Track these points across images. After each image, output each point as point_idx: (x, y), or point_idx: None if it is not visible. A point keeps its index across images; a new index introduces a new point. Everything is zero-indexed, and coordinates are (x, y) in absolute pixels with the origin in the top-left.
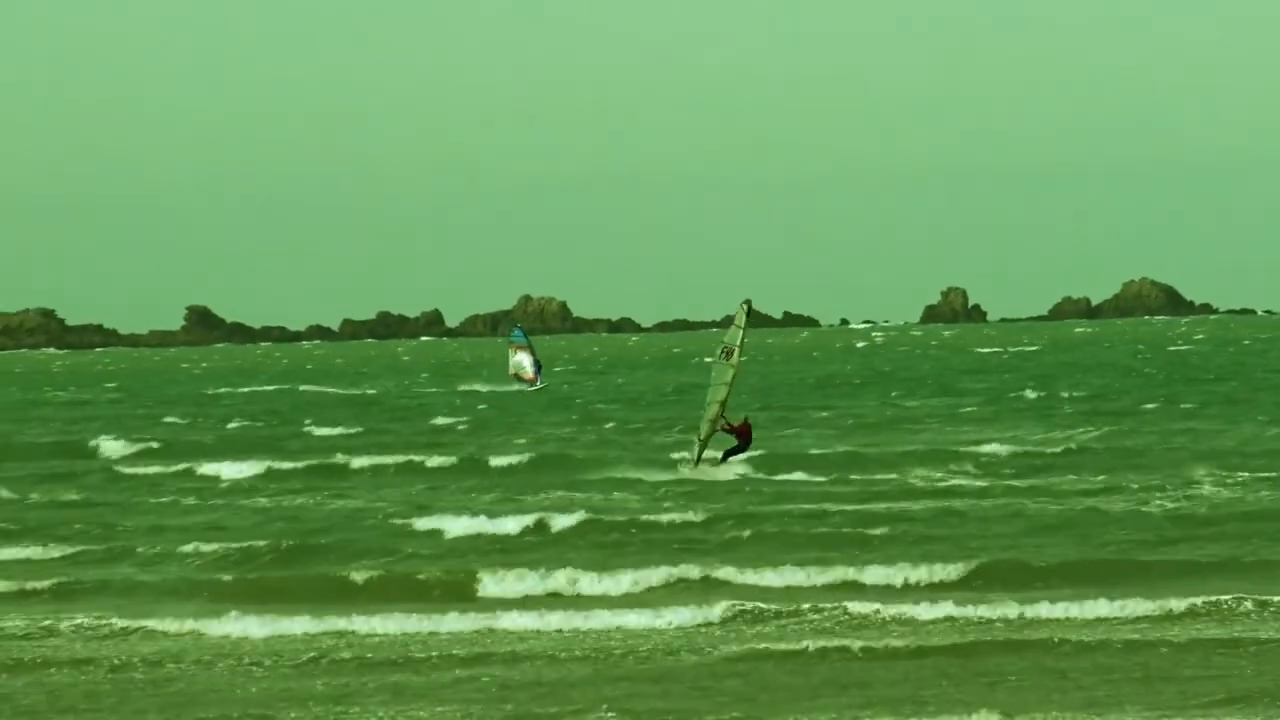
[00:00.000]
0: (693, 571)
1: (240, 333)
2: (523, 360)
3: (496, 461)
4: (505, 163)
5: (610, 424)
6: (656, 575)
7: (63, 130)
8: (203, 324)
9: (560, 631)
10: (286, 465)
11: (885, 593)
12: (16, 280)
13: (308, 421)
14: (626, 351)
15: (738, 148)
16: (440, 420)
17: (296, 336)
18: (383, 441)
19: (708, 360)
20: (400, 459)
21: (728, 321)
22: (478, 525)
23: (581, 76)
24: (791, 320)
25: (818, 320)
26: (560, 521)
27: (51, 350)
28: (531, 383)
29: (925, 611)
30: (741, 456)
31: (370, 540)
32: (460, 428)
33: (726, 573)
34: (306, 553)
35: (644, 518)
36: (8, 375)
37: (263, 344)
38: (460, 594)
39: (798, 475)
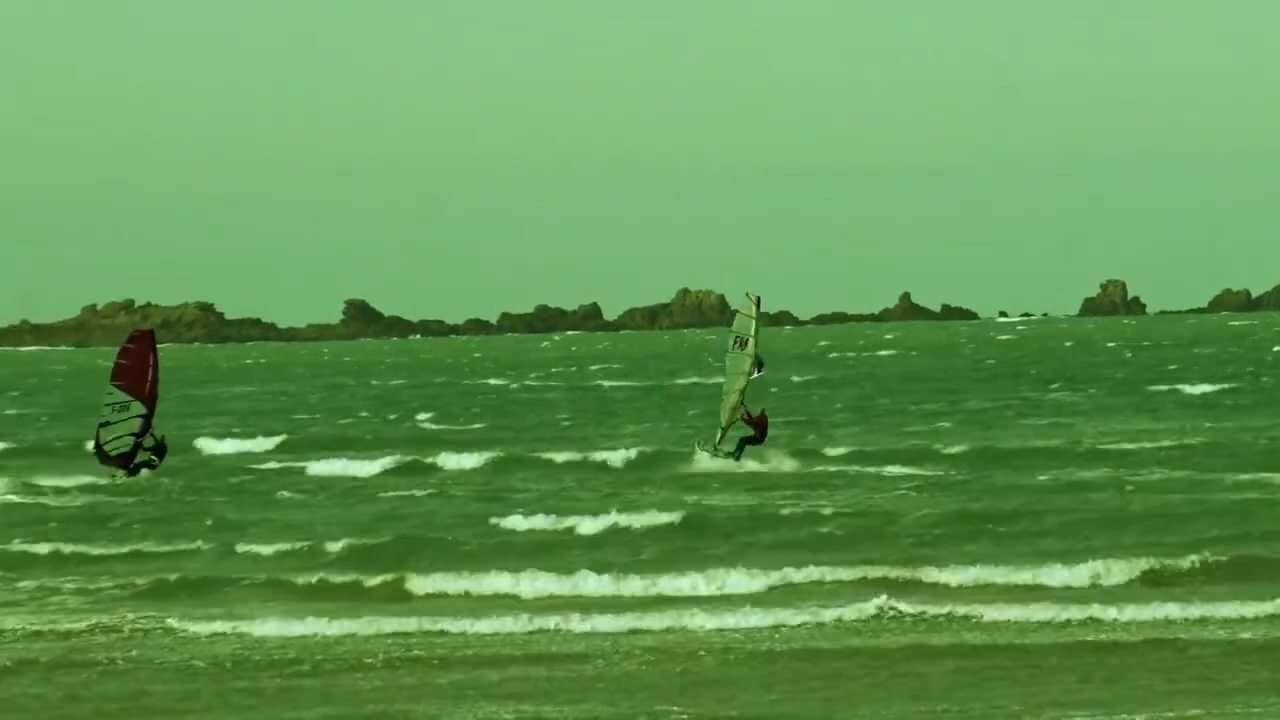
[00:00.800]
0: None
1: (398, 326)
2: None
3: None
4: (663, 156)
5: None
6: (813, 573)
7: (223, 124)
8: (360, 317)
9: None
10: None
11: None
12: (175, 274)
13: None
14: (781, 345)
15: (898, 138)
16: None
17: (454, 330)
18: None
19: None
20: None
21: (887, 314)
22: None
23: (744, 75)
24: (950, 313)
25: (976, 313)
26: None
27: (204, 345)
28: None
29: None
30: (759, 445)
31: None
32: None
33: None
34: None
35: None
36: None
37: (415, 337)
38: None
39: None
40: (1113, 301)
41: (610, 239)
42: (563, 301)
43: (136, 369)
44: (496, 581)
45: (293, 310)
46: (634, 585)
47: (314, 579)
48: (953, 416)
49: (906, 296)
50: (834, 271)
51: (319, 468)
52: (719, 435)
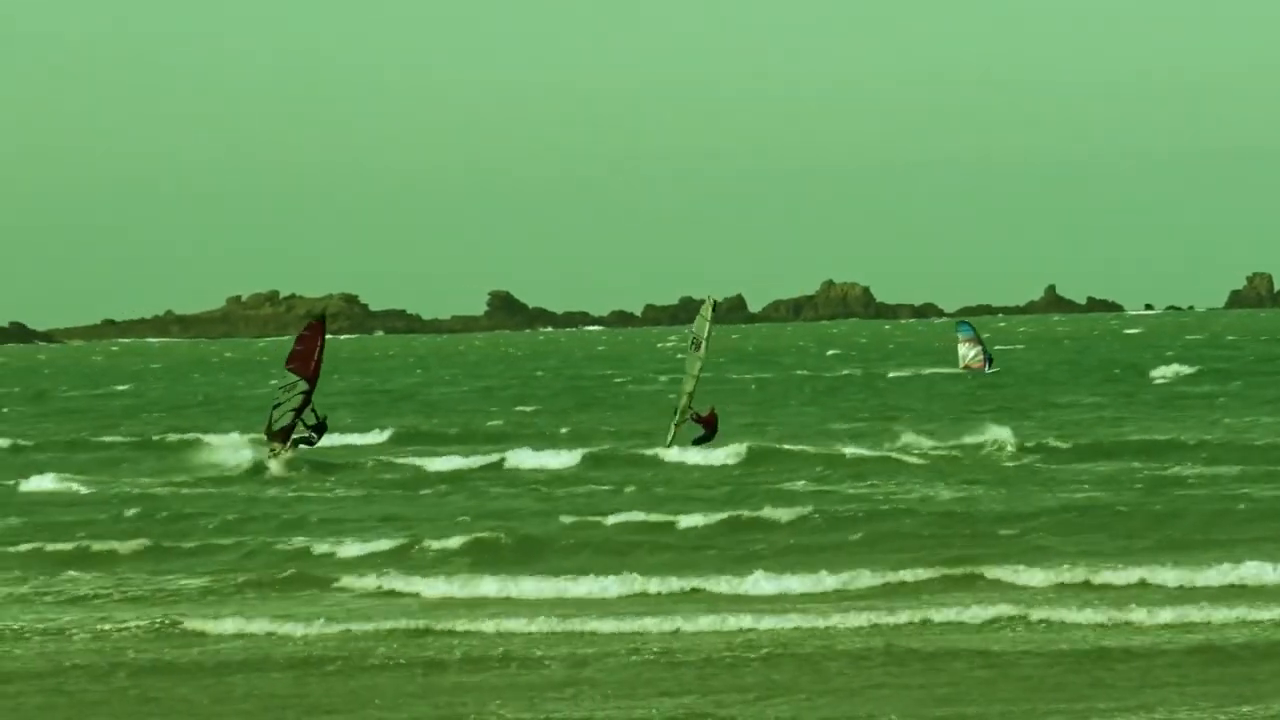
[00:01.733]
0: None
1: (542, 318)
2: (970, 352)
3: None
4: (811, 146)
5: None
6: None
7: (366, 116)
8: (505, 309)
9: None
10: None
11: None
12: (320, 265)
13: None
14: (919, 338)
15: (1043, 132)
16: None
17: (598, 321)
18: None
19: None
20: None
21: (1031, 306)
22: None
23: (885, 66)
24: (1095, 305)
25: (1122, 305)
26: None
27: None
28: (980, 370)
29: None
30: (710, 442)
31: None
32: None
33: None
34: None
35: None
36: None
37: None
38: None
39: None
40: (1258, 294)
41: (755, 230)
42: (707, 293)
43: (307, 353)
44: (627, 582)
45: (437, 302)
46: (763, 585)
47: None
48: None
49: (1051, 289)
50: (979, 264)
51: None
52: (670, 434)
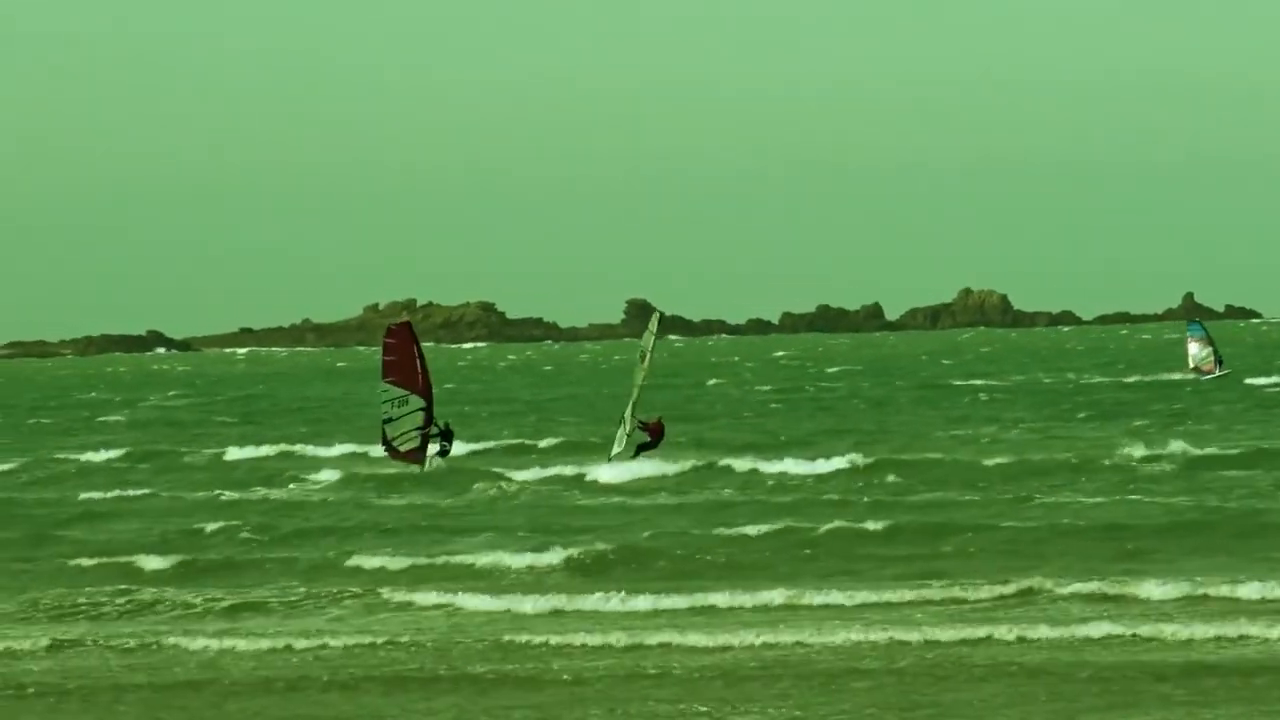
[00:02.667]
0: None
1: (679, 326)
2: (1201, 352)
3: None
4: (946, 150)
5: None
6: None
7: (507, 124)
8: (642, 317)
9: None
10: None
11: None
12: (457, 273)
13: None
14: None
15: (1180, 134)
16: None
17: (735, 330)
18: None
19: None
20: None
21: (1169, 314)
22: None
23: (1041, 65)
24: (1233, 312)
25: (1259, 312)
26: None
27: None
28: (1210, 373)
29: None
30: (655, 449)
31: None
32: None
33: None
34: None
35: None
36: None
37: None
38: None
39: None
40: None
41: (892, 237)
42: (845, 301)
43: (403, 362)
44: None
45: (574, 309)
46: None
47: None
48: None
49: (1189, 296)
50: (1117, 271)
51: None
52: (618, 445)
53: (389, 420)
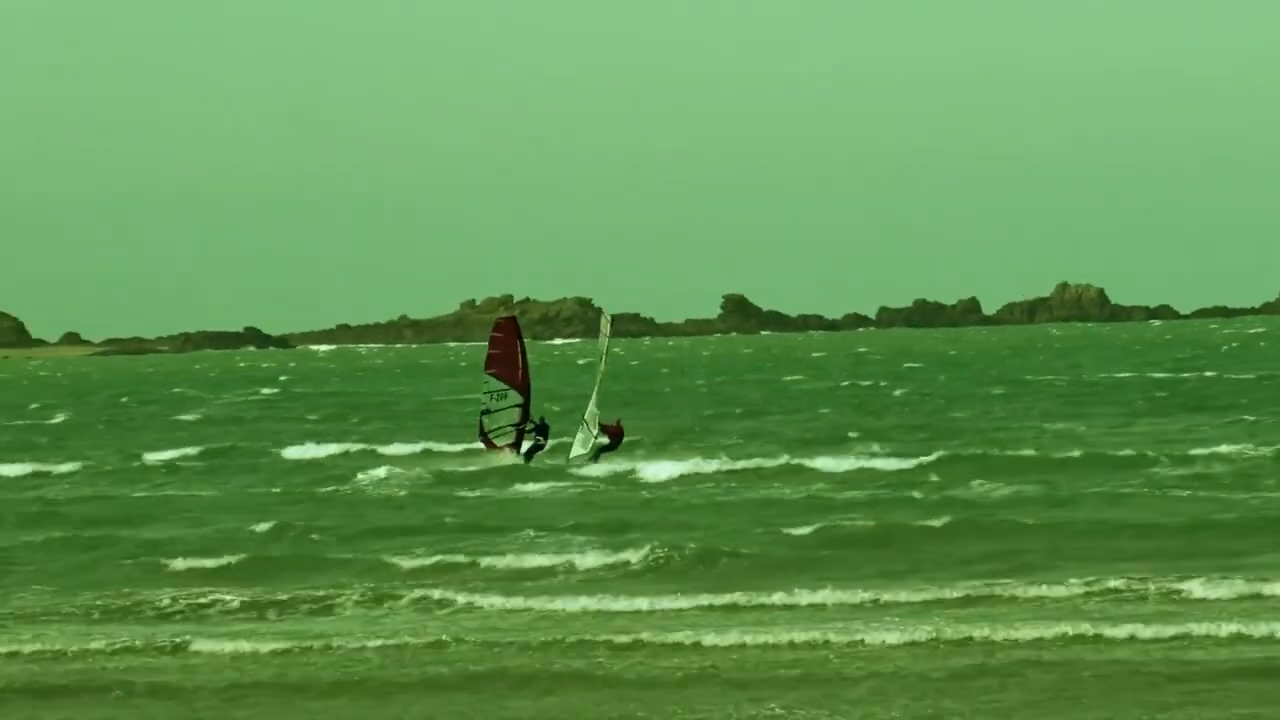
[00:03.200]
0: None
1: (775, 321)
2: None
3: None
4: (1047, 147)
5: None
6: None
7: (601, 122)
8: (739, 312)
9: None
10: None
11: None
12: (554, 269)
13: None
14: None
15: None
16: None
17: (831, 325)
18: None
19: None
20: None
21: (1268, 308)
22: None
23: (1143, 67)
24: None
25: None
26: None
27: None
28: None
29: None
30: (613, 450)
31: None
32: None
33: None
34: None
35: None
36: None
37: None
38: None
39: None
40: None
41: (992, 232)
42: (942, 295)
43: (507, 356)
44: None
45: (671, 305)
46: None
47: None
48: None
49: None
50: (1215, 265)
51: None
52: (580, 447)
53: (487, 412)
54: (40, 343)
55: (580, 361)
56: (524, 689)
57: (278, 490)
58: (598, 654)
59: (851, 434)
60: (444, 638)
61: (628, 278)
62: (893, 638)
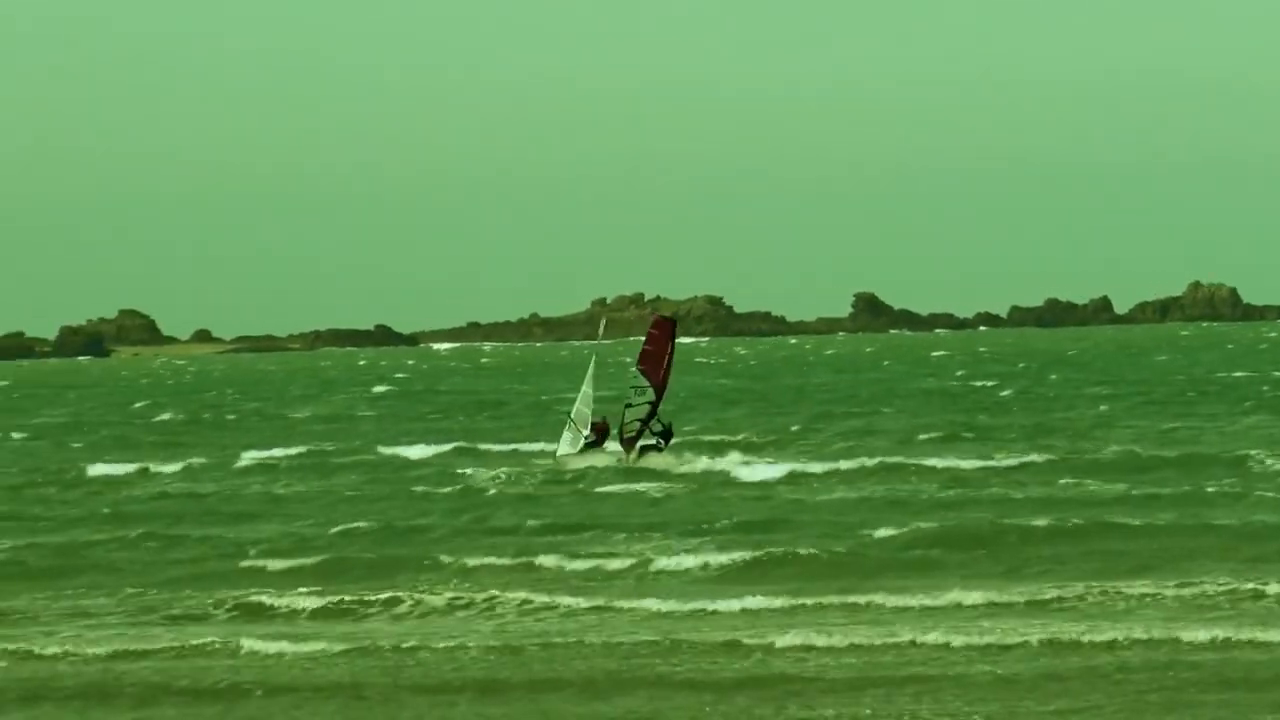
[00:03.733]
0: None
1: (906, 320)
2: None
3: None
4: (1180, 144)
5: None
6: None
7: (733, 119)
8: (869, 311)
9: None
10: None
11: None
12: (685, 267)
13: None
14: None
15: None
16: None
17: (963, 324)
18: None
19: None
20: None
21: None
22: None
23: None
24: None
25: None
26: None
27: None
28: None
29: None
30: (599, 448)
31: None
32: None
33: None
34: None
35: None
36: None
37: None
38: None
39: None
40: None
41: (1124, 230)
42: (1074, 295)
43: (657, 354)
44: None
45: (801, 303)
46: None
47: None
48: None
49: None
50: None
51: None
52: (566, 446)
53: (628, 405)
54: (171, 340)
55: (698, 359)
56: (618, 693)
57: (374, 489)
58: (696, 655)
59: (964, 434)
60: (553, 638)
61: (759, 276)
62: (984, 639)
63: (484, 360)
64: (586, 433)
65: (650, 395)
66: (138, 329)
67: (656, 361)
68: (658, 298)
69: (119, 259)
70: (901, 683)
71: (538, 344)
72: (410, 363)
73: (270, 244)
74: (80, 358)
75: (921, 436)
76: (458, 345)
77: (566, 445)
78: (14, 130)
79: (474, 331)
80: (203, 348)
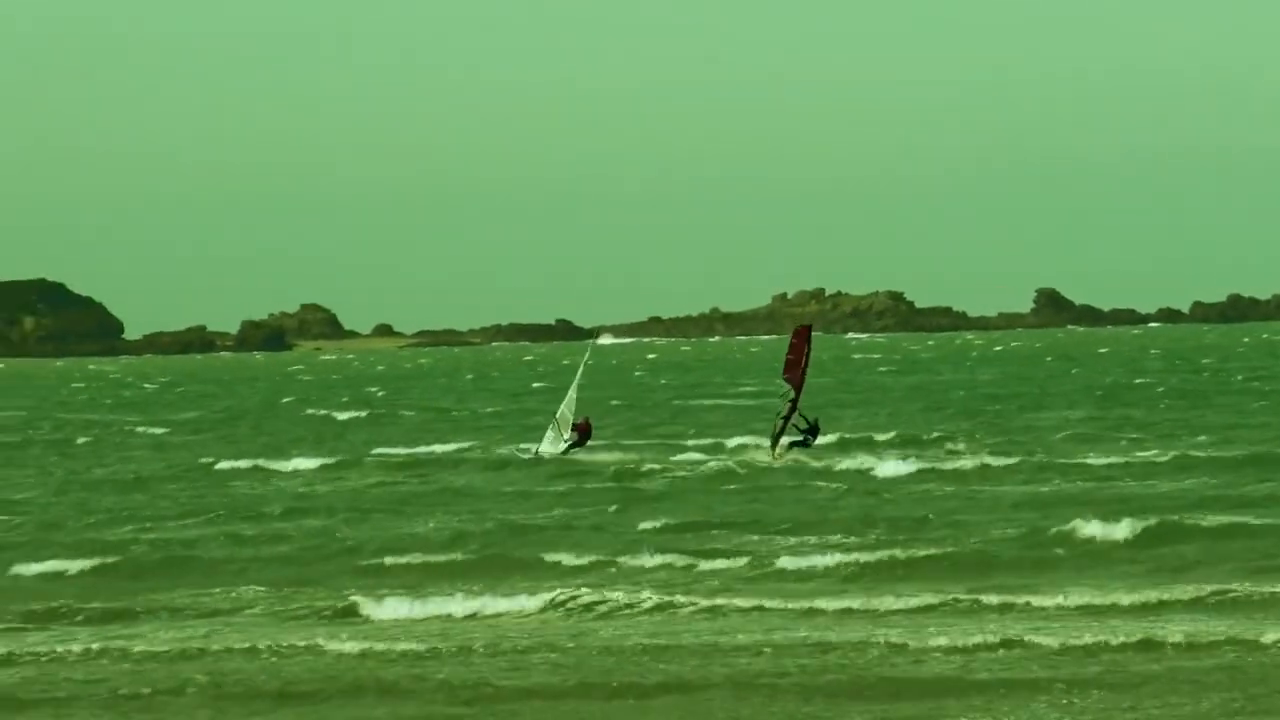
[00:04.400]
0: None
1: (1088, 315)
2: None
3: None
4: None
5: None
6: None
7: (908, 113)
8: (1051, 306)
9: None
10: None
11: None
12: (866, 262)
13: None
14: None
15: None
16: None
17: (1145, 319)
18: None
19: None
20: None
21: None
22: None
23: None
24: None
25: None
26: None
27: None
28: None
29: None
30: (579, 449)
31: None
32: None
33: None
34: None
35: None
36: None
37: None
38: None
39: None
40: None
41: None
42: (1257, 290)
43: (797, 360)
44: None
45: (983, 298)
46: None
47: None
48: None
49: None
50: None
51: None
52: (548, 444)
53: (778, 414)
54: (352, 334)
55: (872, 356)
56: (791, 695)
57: (514, 488)
58: (855, 655)
59: (1121, 431)
60: (702, 636)
61: (940, 270)
62: (1135, 638)
63: (650, 356)
64: (567, 434)
65: (791, 394)
66: (319, 323)
67: (796, 366)
68: (838, 292)
69: (302, 253)
70: (1058, 684)
71: (712, 339)
72: (565, 361)
73: (453, 238)
74: (257, 353)
75: (1069, 432)
76: (628, 341)
77: (548, 444)
78: (204, 124)
79: (655, 326)
80: (383, 342)
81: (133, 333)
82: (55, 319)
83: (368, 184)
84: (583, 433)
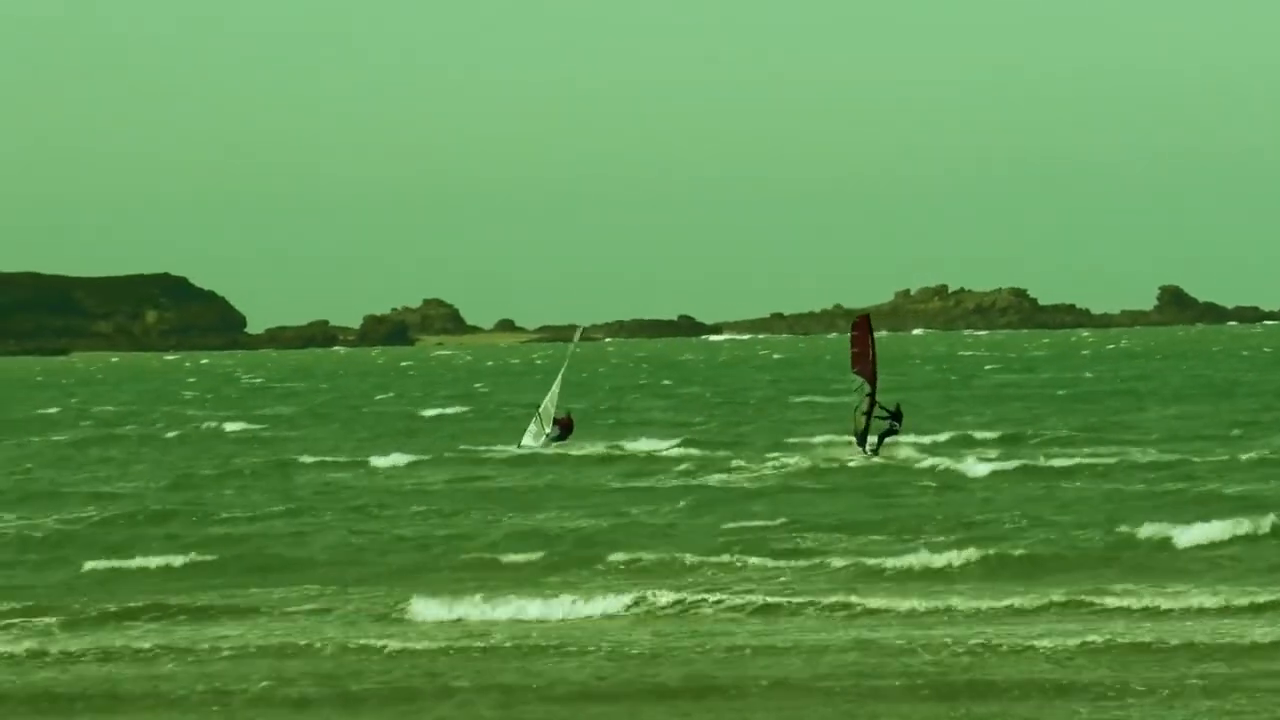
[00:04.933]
0: None
1: (1211, 313)
2: None
3: None
4: None
5: None
6: None
7: (1028, 106)
8: (1175, 303)
9: None
10: None
11: None
12: (989, 258)
13: None
14: None
15: None
16: None
17: (1269, 316)
18: None
19: None
20: None
21: None
22: None
23: None
24: None
25: None
26: None
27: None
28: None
29: None
30: (564, 442)
31: None
32: None
33: None
34: None
35: None
36: None
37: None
38: None
39: None
40: None
41: None
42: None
43: (863, 353)
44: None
45: (1106, 296)
46: None
47: None
48: None
49: None
50: None
51: None
52: (530, 439)
53: (857, 408)
54: (475, 330)
55: (974, 352)
56: (871, 698)
57: (617, 486)
58: (943, 656)
59: (1234, 431)
60: (807, 635)
61: (1065, 267)
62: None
63: (763, 351)
64: (549, 429)
65: (866, 389)
66: (441, 318)
67: (865, 359)
68: (961, 289)
69: (425, 249)
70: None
71: (830, 335)
72: (685, 357)
73: (576, 234)
74: (375, 348)
75: (1168, 431)
76: (745, 337)
77: (529, 439)
78: (335, 123)
79: (777, 322)
80: (505, 337)
81: (255, 327)
82: (178, 313)
83: (494, 182)
84: (564, 428)
